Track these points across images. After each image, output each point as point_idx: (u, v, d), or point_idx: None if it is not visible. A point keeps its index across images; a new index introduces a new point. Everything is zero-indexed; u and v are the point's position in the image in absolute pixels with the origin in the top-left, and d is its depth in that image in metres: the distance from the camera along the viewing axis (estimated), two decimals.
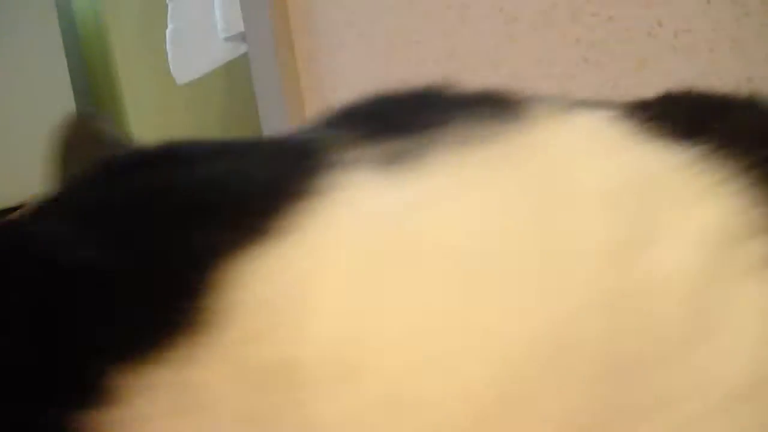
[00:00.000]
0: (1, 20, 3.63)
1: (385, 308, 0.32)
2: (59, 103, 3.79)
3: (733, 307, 0.35)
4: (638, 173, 0.38)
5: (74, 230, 0.38)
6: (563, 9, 1.21)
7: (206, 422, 0.34)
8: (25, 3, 3.69)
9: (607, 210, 0.36)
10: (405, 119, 0.44)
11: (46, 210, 0.42)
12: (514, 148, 0.41)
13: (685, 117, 0.47)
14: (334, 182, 0.35)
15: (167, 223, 0.38)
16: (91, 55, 4.03)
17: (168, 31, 2.92)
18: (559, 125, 0.44)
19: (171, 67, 2.97)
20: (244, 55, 2.72)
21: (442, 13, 1.45)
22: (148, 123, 3.66)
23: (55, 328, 0.35)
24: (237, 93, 3.80)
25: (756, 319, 0.35)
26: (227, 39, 2.63)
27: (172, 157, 0.44)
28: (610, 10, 1.13)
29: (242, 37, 2.53)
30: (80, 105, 3.89)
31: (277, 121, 2.07)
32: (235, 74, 3.71)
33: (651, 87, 1.09)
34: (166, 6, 2.91)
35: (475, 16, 1.37)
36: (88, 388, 0.34)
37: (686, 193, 0.37)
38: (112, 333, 0.35)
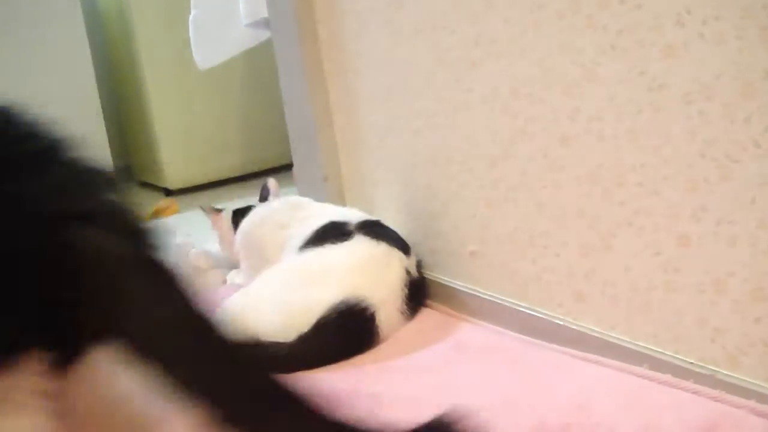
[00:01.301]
0: (24, 6, 3.65)
1: None
2: (82, 90, 3.81)
3: None
4: None
5: None
6: None
7: None
8: None
9: None
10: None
11: None
12: None
13: None
14: None
15: None
16: (114, 41, 4.05)
17: (191, 17, 2.93)
18: None
19: (193, 53, 2.98)
20: (266, 42, 2.73)
21: (469, 0, 1.45)
22: (170, 109, 3.68)
23: None
24: (259, 79, 3.81)
25: None
26: (249, 25, 2.64)
27: None
28: None
29: (265, 24, 2.53)
30: (103, 92, 3.92)
31: (299, 107, 2.08)
32: (257, 60, 3.72)
33: (678, 75, 1.09)
34: None
35: (501, 3, 1.37)
36: None
37: None
38: None
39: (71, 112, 3.90)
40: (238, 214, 2.06)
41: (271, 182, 2.19)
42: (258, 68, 3.79)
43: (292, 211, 1.88)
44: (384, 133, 1.81)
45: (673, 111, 1.11)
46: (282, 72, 2.14)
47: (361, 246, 1.59)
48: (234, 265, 2.07)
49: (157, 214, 3.32)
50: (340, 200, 2.05)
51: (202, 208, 2.22)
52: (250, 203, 2.14)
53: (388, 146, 1.81)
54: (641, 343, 1.25)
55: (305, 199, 1.98)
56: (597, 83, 1.22)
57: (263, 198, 2.14)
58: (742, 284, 1.08)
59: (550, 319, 1.42)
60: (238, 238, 1.98)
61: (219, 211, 2.14)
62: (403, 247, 1.63)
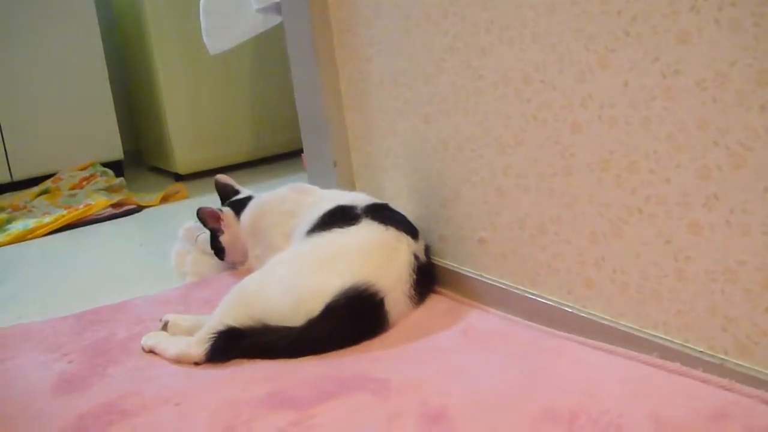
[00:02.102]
0: None
1: None
2: (93, 76, 3.81)
3: None
4: None
5: None
6: None
7: None
8: None
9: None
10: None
11: None
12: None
13: None
14: None
15: None
16: (125, 27, 4.05)
17: (201, 2, 2.92)
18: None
19: (204, 38, 2.97)
20: (276, 27, 2.72)
21: None
22: (179, 94, 3.67)
23: None
24: (269, 65, 3.81)
25: None
26: (261, 10, 2.63)
27: None
28: None
29: (276, 8, 2.53)
30: (113, 78, 3.92)
31: (310, 93, 2.07)
32: (267, 46, 3.72)
33: (693, 62, 1.08)
34: None
35: None
36: None
37: None
38: None
39: (82, 99, 3.92)
40: (239, 206, 2.02)
41: (222, 177, 2.17)
42: (268, 54, 3.79)
43: (298, 198, 1.88)
44: (394, 118, 1.81)
45: (686, 98, 1.10)
46: (293, 57, 2.13)
47: (369, 231, 1.59)
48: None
49: (166, 198, 3.33)
50: (349, 186, 2.04)
51: (200, 218, 2.00)
52: (251, 190, 2.12)
53: (398, 132, 1.81)
54: (651, 331, 1.25)
55: (311, 186, 1.97)
56: (610, 70, 1.21)
57: (228, 195, 2.12)
58: (754, 273, 1.07)
59: (559, 306, 1.41)
60: (244, 228, 1.97)
61: (220, 211, 2.02)
62: (412, 231, 1.63)
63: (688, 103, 1.10)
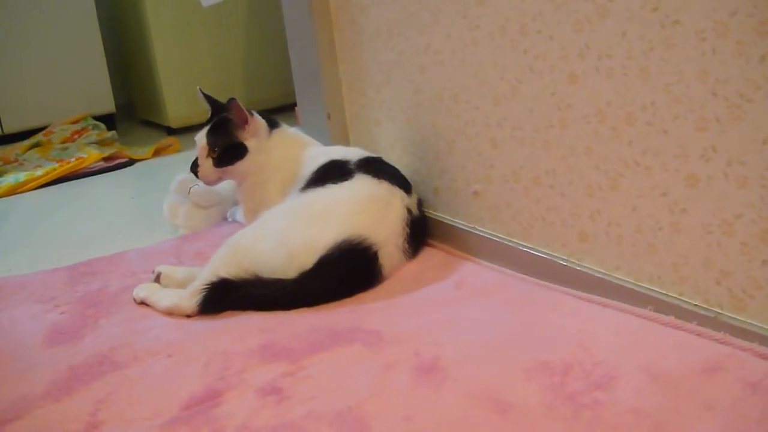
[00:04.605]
0: None
1: None
2: (84, 29, 3.76)
3: None
4: None
5: None
6: None
7: None
8: None
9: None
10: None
11: None
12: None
13: None
14: None
15: None
16: None
17: None
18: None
19: None
20: None
21: None
22: (172, 47, 3.63)
23: None
24: (262, 17, 3.76)
25: None
26: None
27: None
28: None
29: None
30: (105, 30, 3.87)
31: (304, 44, 2.05)
32: None
33: (692, 11, 1.06)
34: None
35: None
36: None
37: None
38: None
39: (74, 51, 3.86)
40: (271, 121, 1.88)
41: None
42: (261, 5, 3.74)
43: (297, 153, 1.82)
44: (389, 70, 1.79)
45: (685, 48, 1.09)
46: (286, 8, 2.10)
47: (362, 185, 1.58)
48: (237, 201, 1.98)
49: (158, 152, 3.30)
50: (343, 139, 2.03)
51: (232, 106, 1.80)
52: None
53: (392, 84, 1.79)
54: (645, 285, 1.24)
55: (306, 137, 1.93)
56: (608, 19, 1.19)
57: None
58: (750, 226, 1.06)
59: (553, 259, 1.41)
60: (274, 149, 1.83)
61: (251, 113, 1.83)
62: (404, 185, 1.62)
63: (687, 54, 1.09)
